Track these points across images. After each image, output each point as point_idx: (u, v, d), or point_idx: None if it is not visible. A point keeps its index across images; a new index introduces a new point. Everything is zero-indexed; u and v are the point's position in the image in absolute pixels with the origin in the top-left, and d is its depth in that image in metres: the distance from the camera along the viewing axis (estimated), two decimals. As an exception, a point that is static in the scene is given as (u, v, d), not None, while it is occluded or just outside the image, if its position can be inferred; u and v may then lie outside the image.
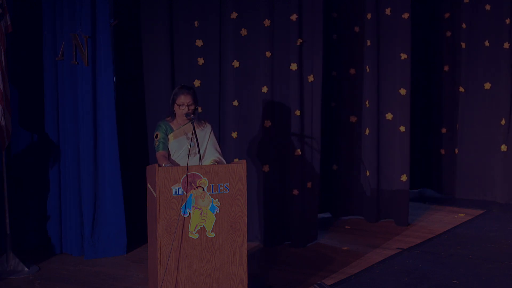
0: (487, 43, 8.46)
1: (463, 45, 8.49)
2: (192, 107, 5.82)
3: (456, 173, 8.80)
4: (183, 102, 5.79)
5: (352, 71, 7.81)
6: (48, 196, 6.89)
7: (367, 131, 7.73)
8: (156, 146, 5.89)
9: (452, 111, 8.75)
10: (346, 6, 7.77)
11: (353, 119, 7.87)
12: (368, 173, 7.79)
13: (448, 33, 8.58)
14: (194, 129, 5.67)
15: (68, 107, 6.67)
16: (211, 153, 5.89)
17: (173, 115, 5.89)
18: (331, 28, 7.74)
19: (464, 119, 8.68)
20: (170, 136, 5.85)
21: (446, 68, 8.62)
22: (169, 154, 5.87)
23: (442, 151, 8.77)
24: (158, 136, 5.87)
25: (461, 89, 8.57)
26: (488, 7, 8.41)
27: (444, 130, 8.75)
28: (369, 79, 7.69)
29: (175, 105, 5.83)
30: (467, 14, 8.49)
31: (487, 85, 8.52)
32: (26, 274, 6.36)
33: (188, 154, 5.75)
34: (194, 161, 5.80)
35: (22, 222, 6.98)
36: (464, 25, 8.48)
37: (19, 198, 6.93)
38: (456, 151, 8.75)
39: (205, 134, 5.92)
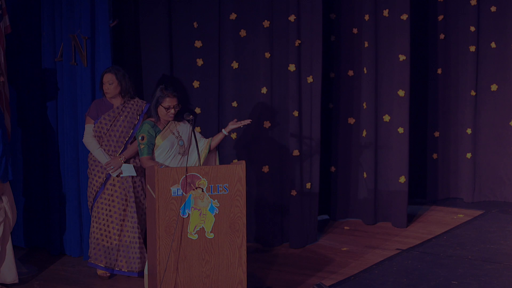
0: (493, 45, 8.45)
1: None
2: (177, 108, 5.85)
3: (462, 175, 8.76)
4: (170, 105, 5.80)
5: (350, 72, 7.79)
6: (48, 196, 6.88)
7: (364, 133, 7.71)
8: (141, 149, 5.82)
9: (451, 114, 8.72)
10: (345, 7, 7.76)
11: (351, 120, 7.85)
12: (365, 175, 7.76)
13: (442, 36, 8.55)
14: (194, 129, 5.68)
15: (67, 108, 6.67)
16: (201, 141, 5.94)
17: (157, 117, 5.89)
18: (329, 30, 7.74)
19: (472, 122, 8.64)
20: (159, 137, 5.84)
21: (439, 71, 8.59)
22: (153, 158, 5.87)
23: (435, 156, 8.72)
24: (145, 139, 5.80)
25: (472, 93, 8.53)
26: (493, 8, 8.39)
27: (437, 134, 8.71)
28: (367, 80, 7.67)
29: (161, 107, 5.82)
30: (470, 17, 8.44)
31: (494, 87, 8.51)
32: (26, 275, 6.36)
33: (181, 154, 5.81)
34: (192, 157, 5.86)
35: (22, 222, 6.97)
36: (473, 28, 8.44)
37: (18, 198, 6.92)
38: (463, 153, 8.71)
39: (187, 127, 5.97)
